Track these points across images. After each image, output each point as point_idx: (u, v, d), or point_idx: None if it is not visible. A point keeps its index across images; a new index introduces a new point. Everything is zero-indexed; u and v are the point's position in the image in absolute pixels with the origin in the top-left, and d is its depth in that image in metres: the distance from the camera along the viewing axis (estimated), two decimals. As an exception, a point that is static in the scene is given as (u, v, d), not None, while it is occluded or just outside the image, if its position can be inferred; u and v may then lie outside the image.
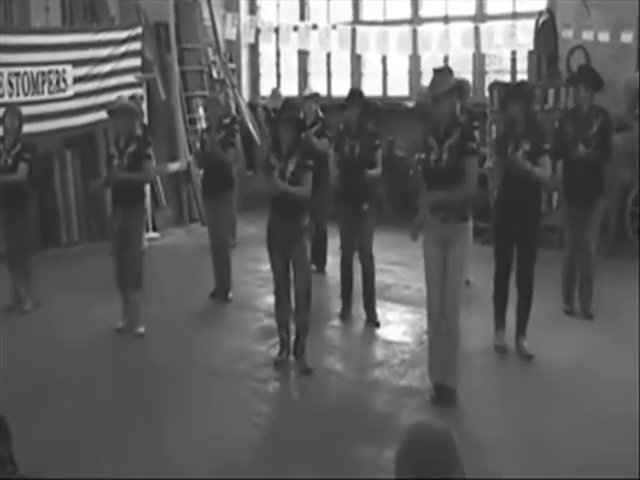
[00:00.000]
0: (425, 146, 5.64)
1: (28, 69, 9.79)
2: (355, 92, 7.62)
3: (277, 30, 12.65)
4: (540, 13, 10.21)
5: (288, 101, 7.56)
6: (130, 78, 10.90)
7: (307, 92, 9.62)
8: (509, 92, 6.72)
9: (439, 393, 5.67)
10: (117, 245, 7.22)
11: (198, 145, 8.66)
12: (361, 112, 7.33)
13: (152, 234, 10.94)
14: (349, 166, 7.29)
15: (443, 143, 5.51)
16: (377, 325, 7.39)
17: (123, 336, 7.15)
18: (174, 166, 11.74)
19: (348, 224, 7.41)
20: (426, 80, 11.36)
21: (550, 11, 10.13)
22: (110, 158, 7.20)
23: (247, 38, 13.09)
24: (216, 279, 8.28)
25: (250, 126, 12.32)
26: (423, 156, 5.68)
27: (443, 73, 5.64)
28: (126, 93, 10.12)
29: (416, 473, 2.15)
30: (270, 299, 7.26)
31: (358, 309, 7.58)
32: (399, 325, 7.42)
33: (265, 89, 13.53)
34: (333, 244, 9.52)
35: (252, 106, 12.89)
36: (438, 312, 5.59)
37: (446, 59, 11.43)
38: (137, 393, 6.00)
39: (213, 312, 7.96)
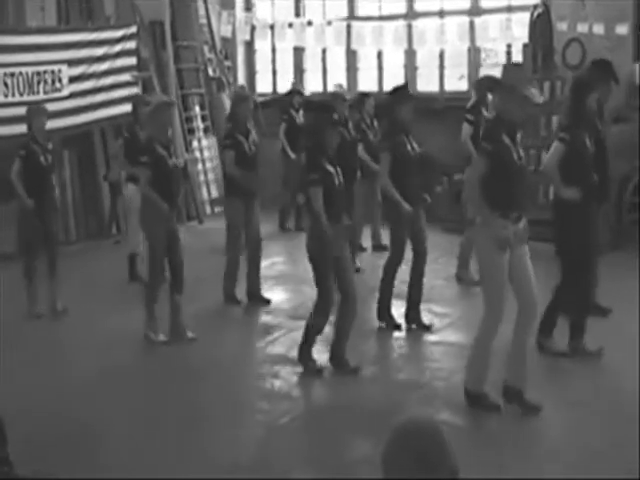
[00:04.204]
0: (502, 148, 5.11)
1: (23, 69, 9.76)
2: (404, 87, 7.23)
3: (272, 27, 12.68)
4: (535, 6, 10.21)
5: (324, 103, 7.25)
6: (126, 77, 10.91)
7: (338, 90, 9.08)
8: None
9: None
10: (164, 248, 6.82)
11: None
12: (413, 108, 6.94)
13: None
14: (413, 167, 6.87)
15: (515, 140, 5.19)
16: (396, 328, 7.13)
17: (133, 337, 7.00)
18: (171, 164, 11.70)
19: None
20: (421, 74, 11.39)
21: (545, 4, 10.13)
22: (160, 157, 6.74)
23: (243, 35, 13.11)
24: (249, 281, 7.92)
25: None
26: (504, 158, 5.09)
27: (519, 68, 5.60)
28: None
29: (408, 471, 2.09)
30: (283, 295, 7.66)
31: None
32: (397, 320, 7.39)
33: (261, 86, 13.53)
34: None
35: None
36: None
37: (442, 53, 11.43)
38: (142, 392, 6.00)
39: (223, 309, 7.90)
